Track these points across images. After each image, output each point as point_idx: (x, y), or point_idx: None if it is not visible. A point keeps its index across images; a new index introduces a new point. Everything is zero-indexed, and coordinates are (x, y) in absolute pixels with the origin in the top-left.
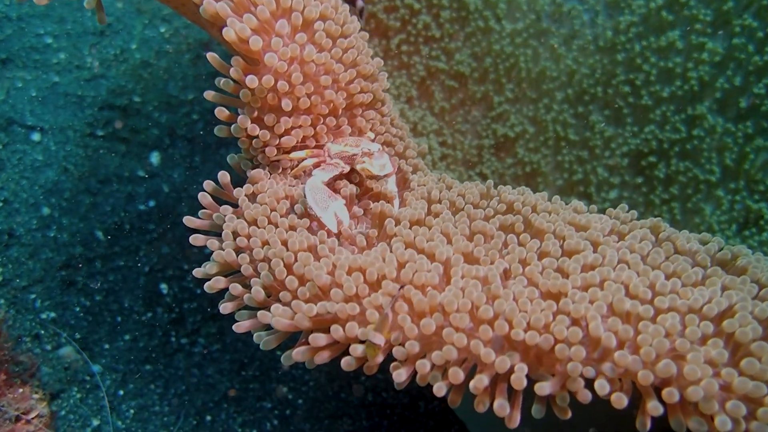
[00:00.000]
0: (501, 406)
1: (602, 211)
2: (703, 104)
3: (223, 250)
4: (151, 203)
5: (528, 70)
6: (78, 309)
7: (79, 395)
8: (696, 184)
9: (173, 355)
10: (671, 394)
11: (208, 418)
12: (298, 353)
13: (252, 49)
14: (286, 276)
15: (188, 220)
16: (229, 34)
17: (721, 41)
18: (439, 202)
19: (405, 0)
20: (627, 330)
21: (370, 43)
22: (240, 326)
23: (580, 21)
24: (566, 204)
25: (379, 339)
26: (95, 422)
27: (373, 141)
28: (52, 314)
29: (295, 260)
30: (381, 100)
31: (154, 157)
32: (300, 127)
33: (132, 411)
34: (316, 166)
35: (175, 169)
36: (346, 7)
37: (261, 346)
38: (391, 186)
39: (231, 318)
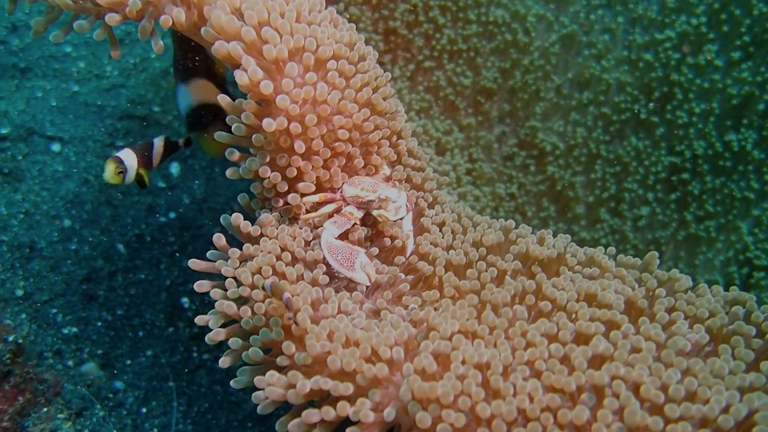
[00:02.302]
0: None
1: (636, 228)
2: (742, 120)
3: (227, 299)
4: (172, 215)
5: (558, 85)
6: (100, 324)
7: (102, 413)
8: (732, 201)
9: (195, 371)
10: None
11: None
12: (293, 426)
13: (264, 92)
14: (284, 339)
15: (193, 263)
16: (242, 79)
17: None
18: (453, 248)
19: (429, 14)
20: None
21: (392, 59)
22: (238, 383)
23: (614, 35)
24: (585, 253)
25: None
26: None
27: (389, 176)
28: (74, 329)
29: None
30: (398, 134)
31: (174, 168)
32: (313, 168)
33: (155, 430)
34: (335, 211)
35: (195, 180)
36: (362, 41)
37: (258, 410)
38: (406, 226)
39: None
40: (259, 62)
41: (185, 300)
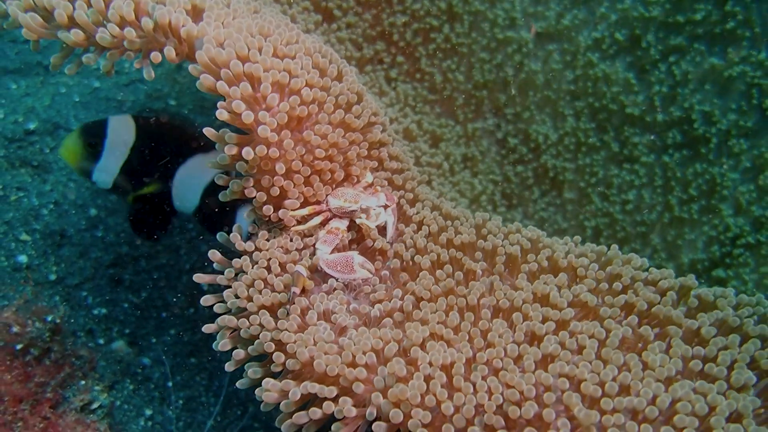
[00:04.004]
0: None
1: (625, 212)
2: (723, 107)
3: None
4: None
5: (548, 78)
6: (126, 305)
7: (132, 386)
8: (713, 185)
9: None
10: None
11: (252, 408)
12: (286, 426)
13: (245, 122)
14: (274, 351)
15: (198, 277)
16: (222, 114)
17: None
18: (426, 250)
19: (424, 14)
20: None
21: (391, 59)
22: (242, 384)
23: (598, 29)
24: (549, 245)
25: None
26: (148, 412)
27: (371, 183)
28: (103, 310)
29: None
30: (379, 143)
31: None
32: (295, 186)
33: (181, 401)
34: (323, 223)
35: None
36: (336, 64)
37: (261, 408)
38: (388, 219)
39: None
40: (234, 93)
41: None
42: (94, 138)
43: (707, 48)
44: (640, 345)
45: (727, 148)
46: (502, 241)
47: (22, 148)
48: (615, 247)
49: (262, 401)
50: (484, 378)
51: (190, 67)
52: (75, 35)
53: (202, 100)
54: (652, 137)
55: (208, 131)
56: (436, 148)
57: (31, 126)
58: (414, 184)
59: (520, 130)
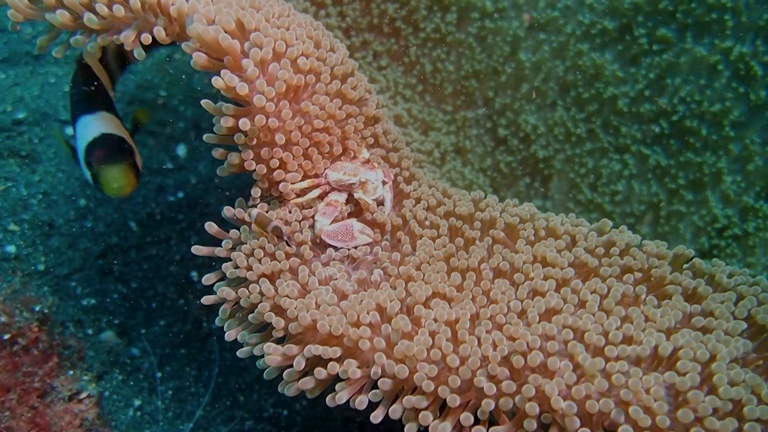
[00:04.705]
0: None
1: (614, 203)
2: (712, 96)
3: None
4: (180, 194)
5: (536, 68)
6: (116, 296)
7: (121, 377)
8: (701, 176)
9: (205, 339)
10: None
11: (242, 398)
12: (290, 390)
13: (240, 93)
14: (274, 318)
15: (196, 249)
16: (218, 82)
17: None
18: (427, 220)
19: (414, 4)
20: (579, 390)
21: (381, 47)
22: (242, 352)
23: (588, 18)
24: (546, 219)
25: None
26: (137, 402)
27: (368, 159)
28: (92, 301)
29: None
30: (374, 118)
31: (181, 150)
32: (294, 158)
33: (170, 392)
34: (322, 196)
35: (201, 161)
36: (329, 37)
37: (264, 376)
38: (386, 195)
39: None
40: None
41: (194, 273)
42: (124, 150)
43: (695, 38)
44: (646, 300)
45: (714, 138)
46: (500, 213)
47: (11, 138)
48: (607, 221)
49: (267, 367)
50: (488, 332)
51: (183, 45)
52: (61, 16)
53: (192, 91)
54: (642, 127)
55: (206, 104)
56: (426, 135)
57: (20, 116)
58: (409, 163)
59: (510, 121)
